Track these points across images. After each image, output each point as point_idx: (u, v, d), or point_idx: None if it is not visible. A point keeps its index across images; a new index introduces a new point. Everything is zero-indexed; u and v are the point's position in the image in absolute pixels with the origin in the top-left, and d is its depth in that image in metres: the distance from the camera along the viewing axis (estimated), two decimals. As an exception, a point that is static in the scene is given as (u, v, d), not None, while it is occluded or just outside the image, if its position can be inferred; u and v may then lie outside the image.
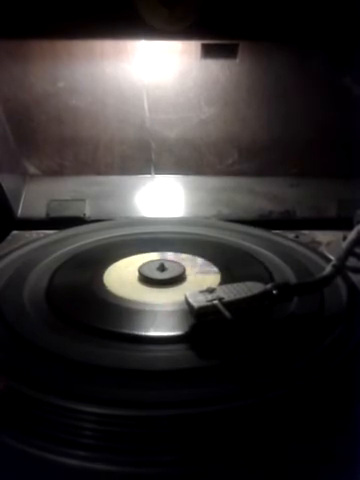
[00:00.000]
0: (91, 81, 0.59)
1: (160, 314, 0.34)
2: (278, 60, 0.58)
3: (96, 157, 0.63)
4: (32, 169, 0.63)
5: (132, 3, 0.48)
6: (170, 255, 0.44)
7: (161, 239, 0.49)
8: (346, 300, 0.36)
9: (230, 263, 0.42)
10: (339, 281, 0.38)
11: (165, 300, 0.36)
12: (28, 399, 0.26)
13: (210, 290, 0.32)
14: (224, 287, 0.33)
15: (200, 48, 0.56)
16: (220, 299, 0.31)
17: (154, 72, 0.59)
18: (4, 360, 0.29)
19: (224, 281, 0.38)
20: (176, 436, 0.25)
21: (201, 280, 0.39)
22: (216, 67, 0.59)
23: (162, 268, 0.40)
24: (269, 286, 0.33)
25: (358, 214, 0.47)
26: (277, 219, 0.59)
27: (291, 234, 0.54)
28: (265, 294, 0.32)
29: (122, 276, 0.40)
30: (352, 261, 0.43)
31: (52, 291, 0.37)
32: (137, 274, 0.40)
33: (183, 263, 0.41)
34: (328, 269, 0.35)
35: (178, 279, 0.39)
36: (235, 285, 0.33)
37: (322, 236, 0.53)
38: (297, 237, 0.53)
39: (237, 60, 0.57)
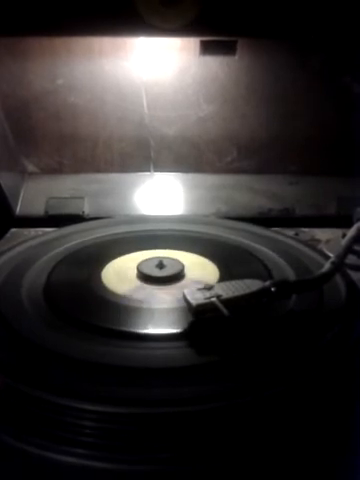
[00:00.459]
0: (90, 78, 0.59)
1: (158, 312, 0.34)
2: (277, 57, 0.58)
3: (95, 155, 0.62)
4: (31, 167, 0.63)
5: (131, 1, 0.47)
6: (169, 253, 0.43)
7: (160, 237, 0.48)
8: (345, 297, 0.36)
9: (229, 261, 0.42)
10: (338, 278, 0.38)
11: (164, 298, 0.36)
12: (26, 397, 0.26)
13: (208, 287, 0.32)
14: (222, 284, 0.33)
15: (199, 45, 0.56)
16: (218, 296, 0.31)
17: (153, 69, 0.58)
18: (2, 358, 0.29)
19: (223, 279, 0.38)
20: (175, 434, 0.25)
21: (200, 278, 0.39)
22: (215, 64, 0.58)
23: (161, 266, 0.40)
24: (267, 283, 0.33)
25: (357, 212, 0.47)
26: (276, 217, 0.59)
27: (290, 232, 0.54)
28: (263, 291, 0.32)
29: (121, 273, 0.40)
30: (351, 258, 0.43)
31: (50, 289, 0.37)
32: (136, 271, 0.39)
33: (182, 261, 0.41)
34: (327, 266, 0.35)
35: (177, 277, 0.39)
36: (233, 282, 0.33)
37: (321, 234, 0.53)
38: (296, 235, 0.53)
39: (236, 57, 0.57)
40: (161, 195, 0.62)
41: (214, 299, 0.31)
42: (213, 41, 0.55)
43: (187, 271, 0.40)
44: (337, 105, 0.59)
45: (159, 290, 0.37)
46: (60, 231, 0.51)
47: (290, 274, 0.40)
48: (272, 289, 0.32)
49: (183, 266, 0.40)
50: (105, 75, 0.59)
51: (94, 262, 0.42)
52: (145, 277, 0.39)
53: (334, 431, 0.27)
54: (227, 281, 0.34)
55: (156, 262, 0.40)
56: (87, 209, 0.58)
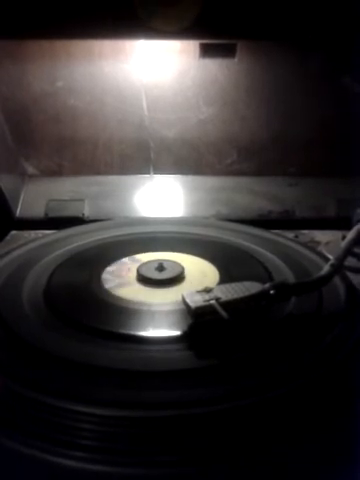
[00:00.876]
0: (90, 81, 0.59)
1: (158, 314, 0.34)
2: (277, 59, 0.58)
3: (95, 157, 0.63)
4: (31, 169, 0.63)
5: (131, 3, 0.47)
6: (169, 255, 0.44)
7: (160, 239, 0.49)
8: (344, 300, 0.36)
9: (229, 263, 0.42)
10: (337, 281, 0.38)
11: (163, 300, 0.36)
12: (26, 399, 0.26)
13: (207, 290, 0.32)
14: (222, 287, 0.33)
15: (198, 48, 0.56)
16: (217, 299, 0.31)
17: (153, 72, 0.58)
18: (2, 360, 0.29)
19: (223, 281, 0.38)
20: (174, 437, 0.25)
21: (200, 280, 0.39)
22: (215, 67, 0.58)
23: (161, 268, 0.40)
24: (267, 286, 0.33)
25: (357, 214, 0.47)
26: (276, 219, 0.59)
27: (290, 234, 0.54)
28: (263, 294, 0.32)
29: (121, 276, 0.40)
30: (351, 261, 0.43)
31: (51, 291, 0.37)
32: (136, 274, 0.39)
33: (182, 263, 0.41)
34: (326, 269, 0.35)
35: (177, 279, 0.39)
36: (233, 285, 0.33)
37: (321, 236, 0.53)
38: (296, 237, 0.53)
39: (236, 59, 0.57)
40: (161, 197, 0.62)
41: (213, 302, 0.31)
42: (212, 44, 0.55)
43: (187, 273, 0.40)
44: (337, 107, 0.59)
45: (159, 292, 0.37)
46: (60, 233, 0.51)
47: (289, 276, 0.40)
48: (271, 292, 0.32)
49: (183, 268, 0.40)
50: (105, 77, 0.59)
51: (94, 264, 0.42)
52: (145, 279, 0.39)
53: (335, 433, 0.26)
54: (226, 283, 0.34)
55: (156, 264, 0.40)
56: (87, 211, 0.58)
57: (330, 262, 0.36)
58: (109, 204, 0.60)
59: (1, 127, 0.59)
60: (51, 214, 0.58)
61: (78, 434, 0.24)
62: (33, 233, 0.54)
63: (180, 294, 0.33)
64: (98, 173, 0.63)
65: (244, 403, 0.26)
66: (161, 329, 0.32)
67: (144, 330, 0.32)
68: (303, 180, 0.62)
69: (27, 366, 0.28)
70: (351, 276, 0.41)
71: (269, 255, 0.44)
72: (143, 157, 0.62)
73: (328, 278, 0.35)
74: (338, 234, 0.49)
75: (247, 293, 0.32)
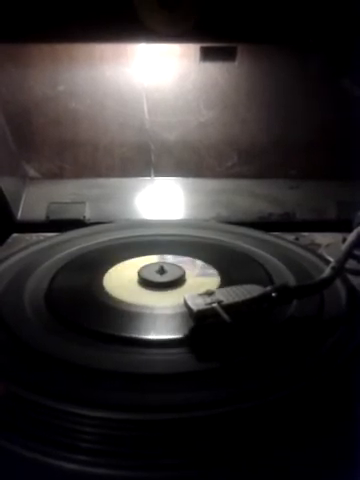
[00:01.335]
0: (91, 84, 0.59)
1: (160, 317, 0.34)
2: (277, 62, 0.58)
3: (96, 160, 0.63)
4: (32, 172, 0.63)
5: (132, 6, 0.48)
6: (170, 258, 0.44)
7: (161, 242, 0.49)
8: (346, 302, 0.36)
9: (230, 266, 0.42)
10: (338, 283, 0.38)
11: (165, 303, 0.36)
12: (27, 403, 0.26)
13: (209, 293, 0.32)
14: (223, 290, 0.33)
15: (199, 51, 0.56)
16: (219, 302, 0.31)
17: (153, 75, 0.59)
18: (4, 364, 0.29)
19: (224, 284, 0.38)
20: (176, 440, 0.25)
21: (201, 283, 0.39)
22: (215, 70, 0.59)
23: (162, 271, 0.40)
24: (268, 289, 0.33)
25: (358, 216, 0.47)
26: (277, 221, 0.59)
27: (291, 236, 0.54)
28: (264, 297, 0.32)
29: (122, 279, 0.40)
30: (352, 263, 0.43)
31: (52, 294, 0.37)
32: (137, 277, 0.40)
33: (183, 266, 0.41)
34: (327, 271, 0.35)
35: (178, 282, 0.39)
36: (234, 288, 0.33)
37: (322, 238, 0.53)
38: (297, 239, 0.53)
39: (236, 63, 0.57)
40: (162, 200, 0.62)
41: (215, 305, 0.31)
42: (213, 47, 0.55)
43: (188, 276, 0.40)
44: (337, 110, 0.59)
45: (160, 295, 0.37)
46: (61, 236, 0.51)
47: (290, 279, 0.40)
48: (273, 294, 0.32)
49: (184, 271, 0.40)
50: (106, 81, 0.59)
51: (95, 267, 0.42)
52: (146, 282, 0.39)
53: (336, 436, 0.26)
54: (228, 286, 0.34)
55: (157, 267, 0.40)
56: (88, 214, 0.59)
57: (331, 265, 0.36)
58: (110, 207, 0.60)
59: (2, 130, 0.59)
60: (52, 217, 0.58)
61: (80, 437, 0.24)
62: (34, 236, 0.54)
63: (181, 297, 0.33)
64: (99, 176, 0.63)
65: (246, 406, 0.26)
66: (163, 332, 0.32)
67: (146, 333, 0.32)
68: (304, 183, 0.62)
69: (29, 369, 0.28)
70: (352, 278, 0.41)
71: (269, 257, 0.44)
72: (144, 160, 0.62)
73: (330, 281, 0.35)
74: (338, 236, 0.49)
75: (249, 296, 0.32)
